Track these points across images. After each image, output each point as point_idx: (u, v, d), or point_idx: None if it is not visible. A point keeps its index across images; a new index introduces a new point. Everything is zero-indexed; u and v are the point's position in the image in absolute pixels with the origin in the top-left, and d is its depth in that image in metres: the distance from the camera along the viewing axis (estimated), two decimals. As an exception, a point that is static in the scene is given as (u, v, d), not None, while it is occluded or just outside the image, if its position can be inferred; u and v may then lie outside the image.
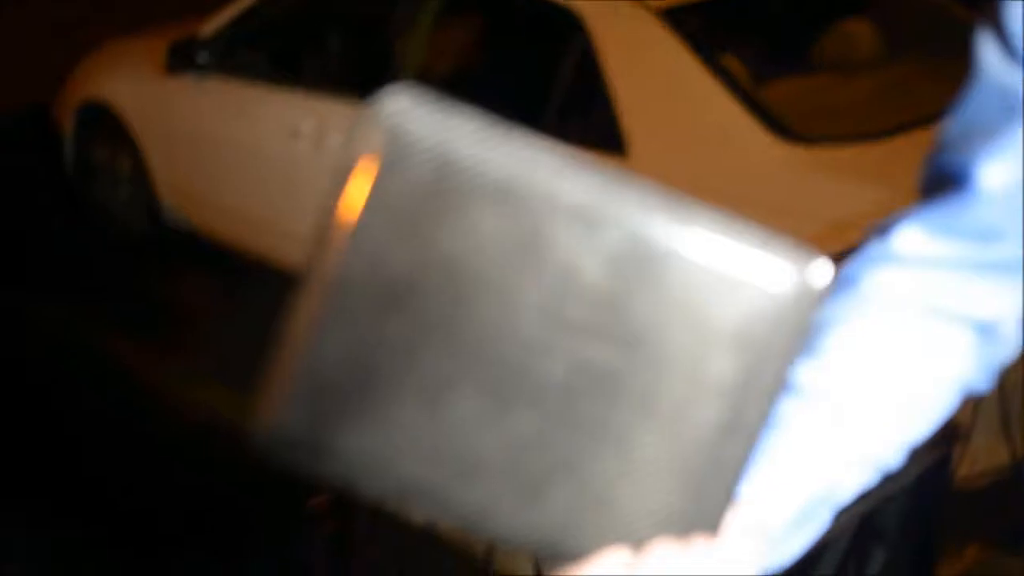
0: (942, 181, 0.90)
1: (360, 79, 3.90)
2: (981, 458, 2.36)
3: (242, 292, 4.09)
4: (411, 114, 0.67)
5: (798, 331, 0.69)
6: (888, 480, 0.95)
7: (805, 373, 0.84)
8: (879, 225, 0.91)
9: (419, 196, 0.67)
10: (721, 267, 0.69)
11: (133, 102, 4.57)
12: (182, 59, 4.26)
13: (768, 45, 3.45)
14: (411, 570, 2.35)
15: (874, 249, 0.90)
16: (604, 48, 3.21)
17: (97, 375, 3.63)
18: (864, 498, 0.97)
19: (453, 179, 0.67)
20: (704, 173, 2.96)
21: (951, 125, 0.91)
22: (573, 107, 3.33)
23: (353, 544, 2.31)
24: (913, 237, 0.88)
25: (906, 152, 2.96)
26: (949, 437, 1.35)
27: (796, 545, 0.83)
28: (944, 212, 0.88)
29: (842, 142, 3.05)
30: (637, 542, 0.72)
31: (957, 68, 0.94)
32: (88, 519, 2.93)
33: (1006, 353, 0.91)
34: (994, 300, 0.88)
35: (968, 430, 1.93)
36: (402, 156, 0.67)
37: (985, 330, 0.89)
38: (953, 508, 2.17)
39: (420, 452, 0.70)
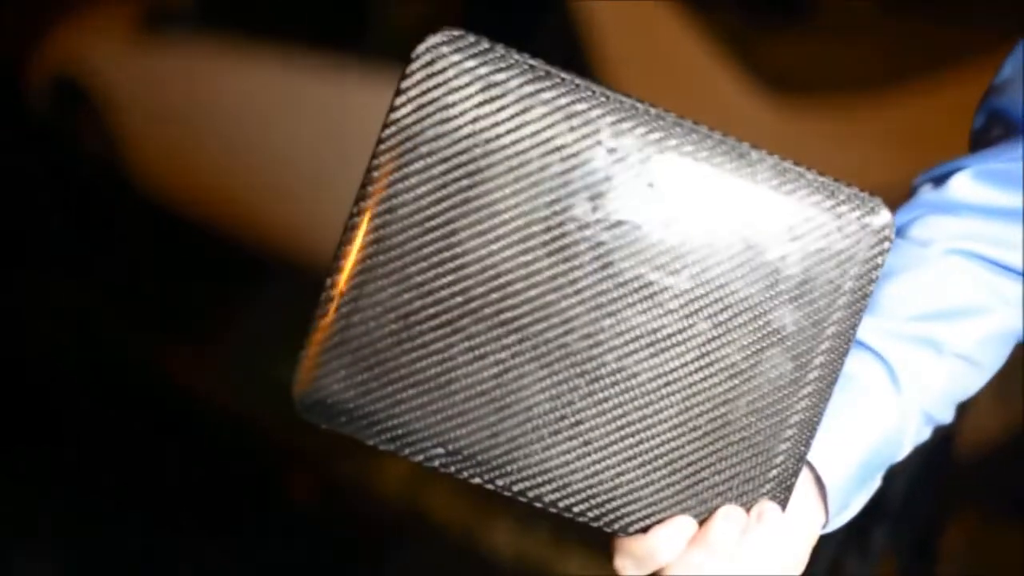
0: (996, 125, 0.87)
1: (347, 34, 3.77)
2: (980, 427, 2.32)
3: (244, 282, 4.02)
4: (454, 57, 0.64)
5: (864, 280, 0.67)
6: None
7: (863, 328, 0.80)
8: (932, 175, 0.88)
9: (465, 142, 0.64)
10: (784, 214, 0.66)
11: (105, 72, 4.44)
12: (164, 19, 4.14)
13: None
14: (397, 552, 2.31)
15: (928, 197, 0.86)
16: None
17: (97, 373, 3.57)
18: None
19: (501, 124, 0.63)
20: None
21: (1005, 67, 0.88)
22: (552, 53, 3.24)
23: (338, 527, 2.28)
24: (967, 185, 0.85)
25: (900, 113, 2.92)
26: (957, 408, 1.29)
27: (856, 507, 0.81)
28: (998, 158, 0.85)
29: (836, 101, 3.00)
30: (701, 511, 0.70)
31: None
32: (88, 511, 2.89)
33: None
34: None
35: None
36: (447, 101, 0.63)
37: None
38: (955, 479, 2.13)
39: (469, 416, 0.67)
